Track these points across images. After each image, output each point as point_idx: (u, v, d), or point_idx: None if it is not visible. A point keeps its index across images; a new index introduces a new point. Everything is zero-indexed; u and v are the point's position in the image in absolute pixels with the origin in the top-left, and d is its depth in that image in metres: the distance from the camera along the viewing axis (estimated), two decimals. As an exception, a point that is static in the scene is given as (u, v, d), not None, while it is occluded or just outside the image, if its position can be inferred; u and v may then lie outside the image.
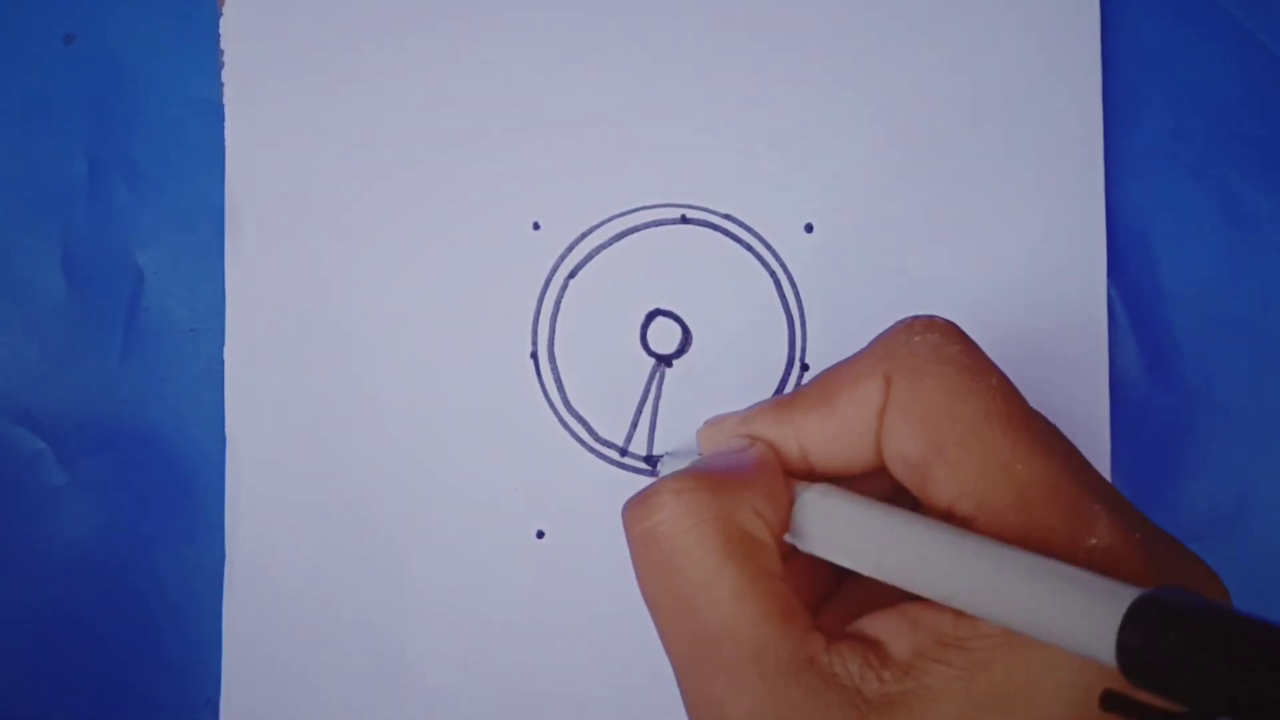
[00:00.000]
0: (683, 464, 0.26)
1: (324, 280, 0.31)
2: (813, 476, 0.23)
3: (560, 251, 0.31)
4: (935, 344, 0.22)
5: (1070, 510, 0.20)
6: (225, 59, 0.31)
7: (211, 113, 0.31)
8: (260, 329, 0.31)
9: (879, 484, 0.23)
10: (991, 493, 0.21)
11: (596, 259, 0.31)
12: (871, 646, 0.21)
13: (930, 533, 0.21)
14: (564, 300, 0.31)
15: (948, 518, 0.21)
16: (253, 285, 0.31)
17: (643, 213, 0.31)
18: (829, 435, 0.23)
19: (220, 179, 0.31)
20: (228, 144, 0.31)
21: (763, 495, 0.22)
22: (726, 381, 0.30)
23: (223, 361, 0.31)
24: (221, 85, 0.31)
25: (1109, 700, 0.18)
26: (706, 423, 0.25)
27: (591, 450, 0.30)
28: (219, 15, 0.31)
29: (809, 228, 0.30)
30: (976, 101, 0.30)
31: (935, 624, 0.21)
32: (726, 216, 0.30)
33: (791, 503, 0.23)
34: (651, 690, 0.30)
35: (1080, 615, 0.18)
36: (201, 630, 0.31)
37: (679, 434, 0.30)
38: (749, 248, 0.30)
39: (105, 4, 0.32)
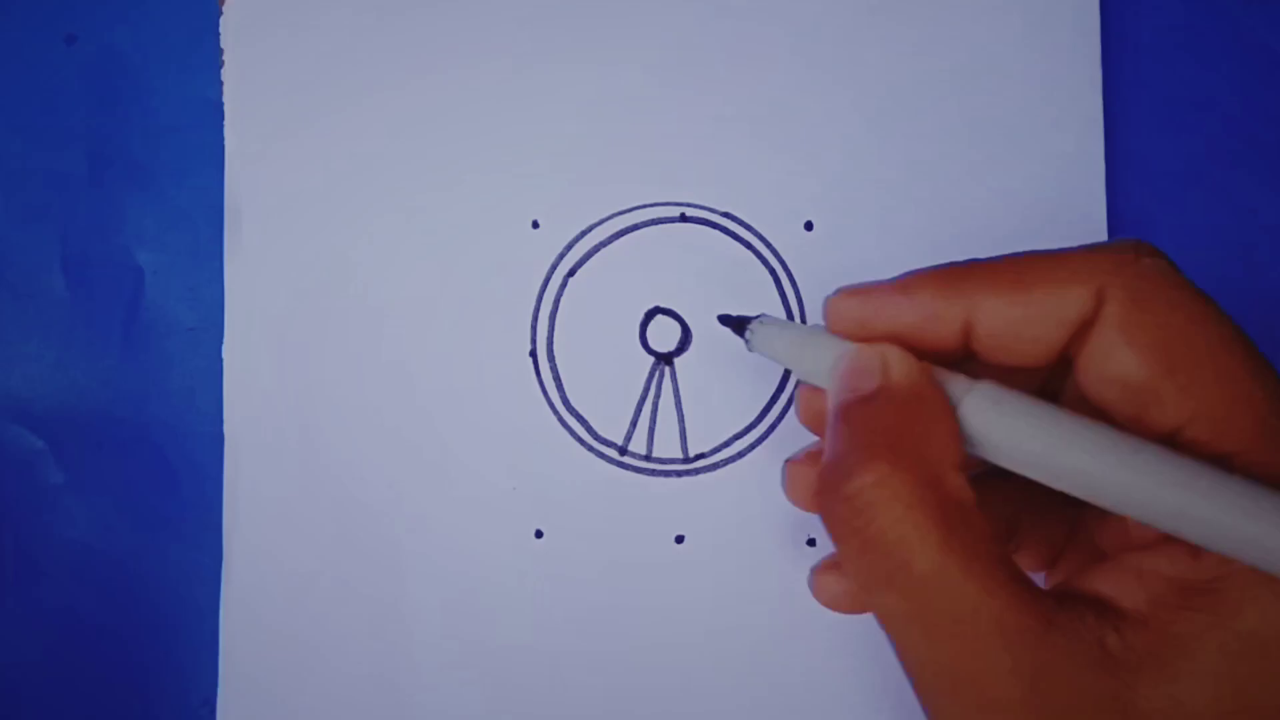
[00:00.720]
0: (779, 332, 0.24)
1: (323, 279, 0.31)
2: (961, 363, 0.22)
3: (559, 250, 0.31)
4: (1165, 269, 0.21)
5: None
6: (225, 58, 0.31)
7: (211, 112, 0.31)
8: (259, 328, 0.31)
9: (1028, 382, 0.22)
10: (1227, 418, 0.20)
11: (596, 257, 0.31)
12: (1103, 603, 0.20)
13: (1141, 448, 0.20)
14: (563, 299, 0.31)
15: (1173, 441, 0.20)
16: (252, 284, 0.31)
17: (642, 211, 0.31)
18: (1011, 324, 0.21)
19: (220, 178, 0.31)
20: (227, 143, 0.31)
21: (942, 435, 0.21)
22: (726, 380, 0.30)
23: (222, 360, 0.31)
24: (221, 85, 0.31)
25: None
26: (843, 293, 0.23)
27: (591, 449, 0.30)
28: (219, 15, 0.31)
29: (809, 226, 0.30)
30: (977, 101, 0.30)
31: (1169, 570, 0.20)
32: (726, 215, 0.30)
33: (954, 415, 0.21)
34: (651, 690, 0.30)
35: None
36: (199, 630, 0.31)
37: (679, 433, 0.30)
38: (749, 246, 0.30)
39: (106, 4, 0.32)
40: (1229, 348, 0.20)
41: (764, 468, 0.30)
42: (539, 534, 0.30)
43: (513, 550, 0.30)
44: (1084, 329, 0.21)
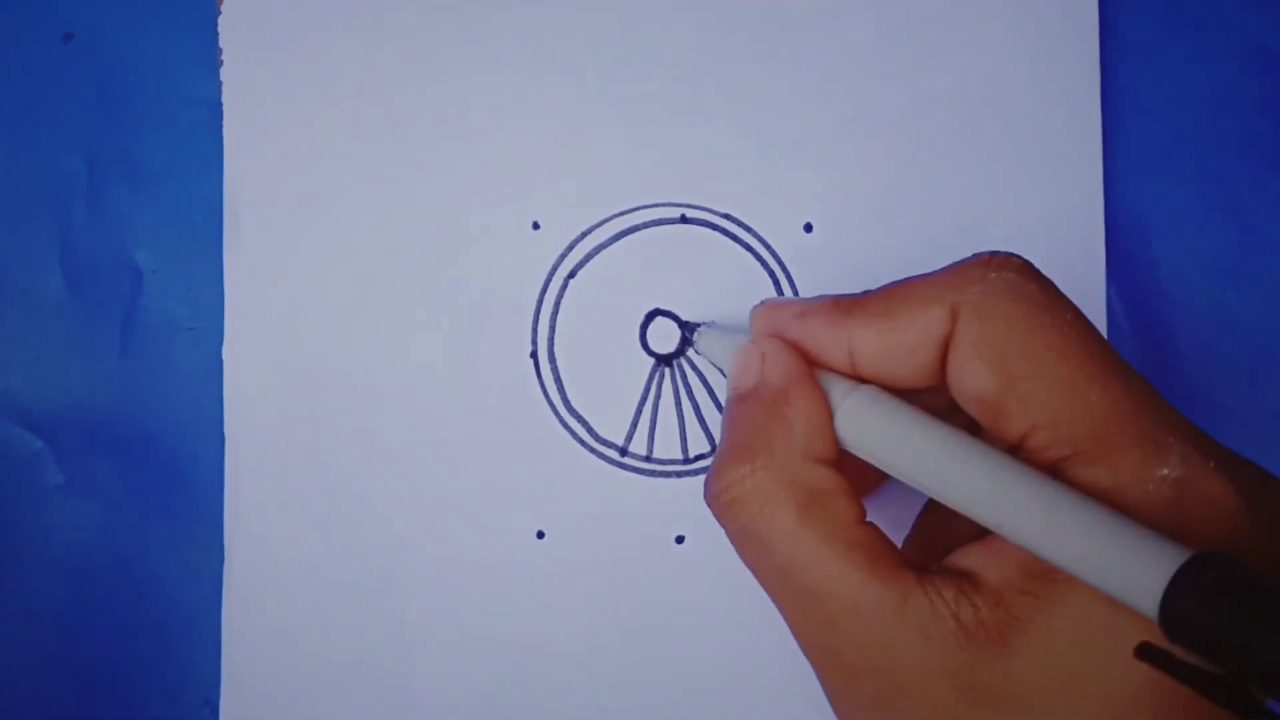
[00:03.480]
0: (717, 337, 0.27)
1: (323, 279, 0.31)
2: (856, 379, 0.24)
3: (560, 251, 0.31)
4: (1010, 281, 0.22)
5: (1144, 440, 0.21)
6: (224, 58, 0.31)
7: (210, 111, 0.31)
8: (259, 328, 0.31)
9: (930, 404, 0.23)
10: (1065, 424, 0.21)
11: (596, 259, 0.31)
12: (965, 577, 0.22)
13: (979, 455, 0.21)
14: (564, 300, 0.31)
15: (1019, 450, 0.22)
16: (251, 284, 0.31)
17: (642, 212, 0.31)
18: (883, 349, 0.23)
19: (219, 178, 0.31)
20: (226, 143, 0.31)
21: (808, 428, 0.23)
22: (726, 380, 0.30)
23: (221, 360, 0.31)
24: (220, 84, 0.31)
25: (1146, 651, 0.18)
26: (763, 304, 0.25)
27: (592, 450, 0.30)
28: (218, 14, 0.31)
29: (809, 228, 0.30)
30: (976, 101, 0.30)
31: (1019, 553, 0.21)
32: (726, 216, 0.30)
33: (828, 410, 0.23)
34: (652, 690, 0.30)
35: (1127, 571, 0.18)
36: (201, 630, 0.31)
37: (679, 434, 0.30)
38: (749, 248, 0.30)
39: (104, 3, 0.32)
40: (1063, 356, 0.21)
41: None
42: (540, 534, 0.30)
43: (514, 551, 0.30)
44: (946, 348, 0.22)
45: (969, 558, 0.22)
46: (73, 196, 0.32)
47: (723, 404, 0.30)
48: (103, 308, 0.32)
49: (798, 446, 0.23)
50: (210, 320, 0.31)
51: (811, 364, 0.24)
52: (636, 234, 0.31)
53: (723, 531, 0.29)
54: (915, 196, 0.30)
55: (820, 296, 0.24)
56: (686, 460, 0.30)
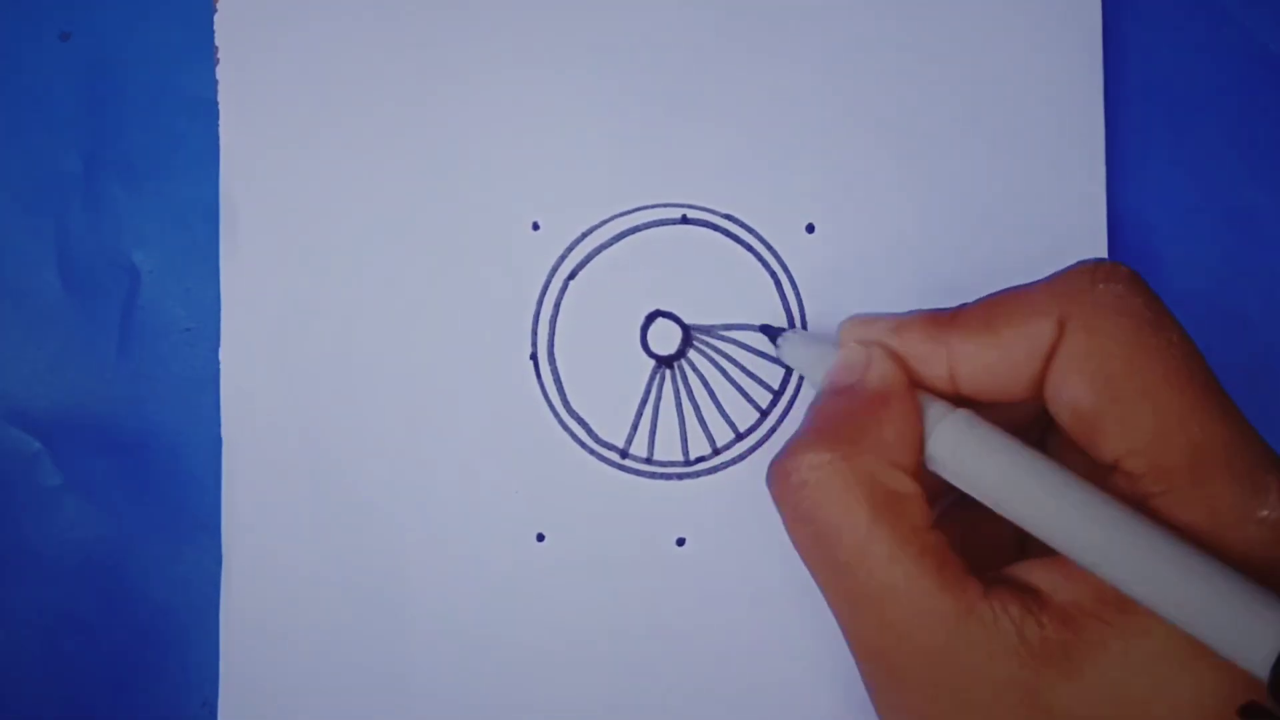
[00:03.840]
0: (805, 344, 0.27)
1: (321, 280, 0.31)
2: (954, 397, 0.23)
3: (560, 252, 0.31)
4: (1119, 294, 0.21)
5: (1243, 478, 0.20)
6: (220, 57, 0.31)
7: (207, 111, 0.31)
8: (256, 329, 0.31)
9: (1019, 414, 0.23)
10: (1163, 452, 0.20)
11: (597, 260, 0.31)
12: (1030, 593, 0.21)
13: (1078, 492, 0.21)
14: (564, 301, 0.31)
15: (1113, 473, 0.21)
16: (249, 285, 0.31)
17: (643, 213, 0.31)
18: (986, 363, 0.22)
19: (215, 177, 0.31)
20: (223, 142, 0.31)
21: (898, 436, 0.22)
22: (727, 383, 0.30)
23: (219, 362, 0.31)
24: (216, 83, 0.31)
25: (1249, 711, 0.18)
26: (853, 319, 0.25)
27: (592, 452, 0.30)
28: (214, 13, 0.31)
29: (810, 228, 0.30)
30: (978, 101, 0.30)
31: (1092, 576, 0.21)
32: (727, 216, 0.30)
33: (921, 425, 0.23)
34: (652, 692, 0.30)
35: (1237, 629, 0.18)
36: (199, 632, 0.31)
37: (679, 436, 0.30)
38: (749, 248, 0.30)
39: (101, 1, 0.32)
40: (1167, 381, 0.21)
41: (764, 470, 0.30)
42: (540, 537, 0.30)
43: (514, 553, 0.30)
44: (1049, 361, 0.22)
45: (1036, 574, 0.22)
46: (69, 196, 0.32)
47: (724, 408, 0.30)
48: (100, 308, 0.32)
49: (884, 447, 0.22)
50: (208, 320, 0.31)
51: (912, 380, 0.23)
52: (637, 235, 0.31)
53: (722, 536, 0.30)
54: (917, 197, 0.30)
55: (915, 311, 0.24)
56: (687, 462, 0.30)
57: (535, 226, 0.31)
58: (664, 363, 0.30)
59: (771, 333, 0.29)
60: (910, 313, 0.24)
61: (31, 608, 0.31)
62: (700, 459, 0.30)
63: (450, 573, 0.30)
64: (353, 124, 0.31)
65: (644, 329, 0.31)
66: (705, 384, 0.30)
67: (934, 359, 0.23)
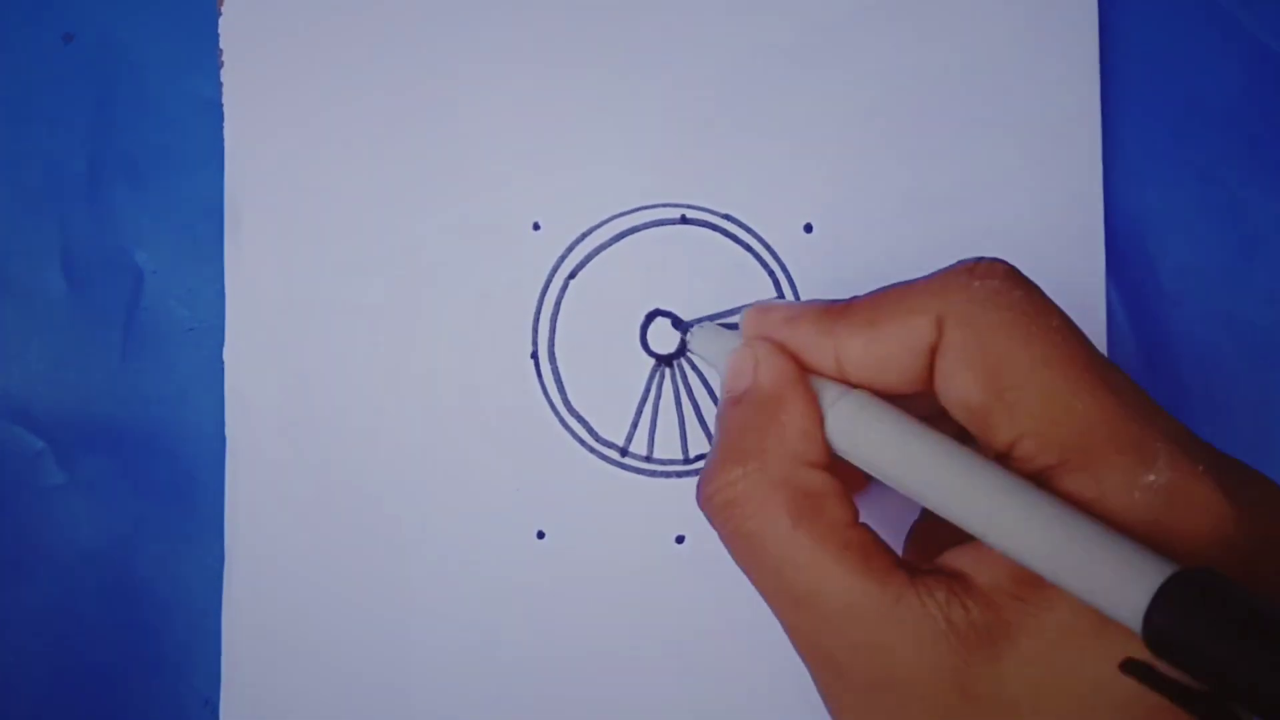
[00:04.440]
0: (711, 337, 0.27)
1: (323, 280, 0.31)
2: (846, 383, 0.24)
3: (560, 252, 0.31)
4: (995, 289, 0.22)
5: (1130, 446, 0.20)
6: (224, 58, 0.31)
7: (211, 112, 0.31)
8: (260, 329, 0.31)
9: (918, 406, 0.23)
10: (1051, 431, 0.21)
11: (597, 259, 0.31)
12: (957, 578, 0.22)
13: (966, 462, 0.21)
14: (564, 301, 0.31)
15: (1007, 459, 0.22)
16: (252, 285, 0.31)
17: (642, 213, 0.31)
18: (870, 357, 0.23)
19: (219, 178, 0.31)
20: (227, 144, 0.31)
21: (801, 433, 0.23)
22: (726, 381, 0.31)
23: (222, 361, 0.31)
24: (220, 85, 0.31)
25: (1130, 667, 0.18)
26: (753, 307, 0.25)
27: (592, 450, 0.30)
28: (218, 15, 0.31)
29: (808, 228, 0.30)
30: (976, 101, 0.30)
31: (1006, 557, 0.21)
32: (726, 217, 0.30)
33: (819, 415, 0.23)
34: (652, 689, 0.30)
35: (1110, 585, 0.19)
36: (201, 630, 0.31)
37: (679, 434, 0.30)
38: (749, 248, 0.30)
39: (105, 3, 0.32)
40: (1048, 365, 0.21)
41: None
42: (541, 535, 0.30)
43: (515, 551, 0.30)
44: (933, 356, 0.22)
45: (960, 559, 0.22)
46: (74, 197, 0.32)
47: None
48: (104, 308, 0.32)
49: (791, 450, 0.23)
50: (211, 320, 0.31)
51: (803, 368, 0.24)
52: (637, 234, 0.31)
53: (716, 535, 0.30)
54: (915, 197, 0.30)
55: (811, 301, 0.24)
56: (686, 460, 0.30)
57: (536, 226, 0.31)
58: (664, 361, 0.31)
59: (682, 326, 0.29)
60: (805, 303, 0.24)
61: (34, 606, 0.32)
62: (700, 457, 0.30)
63: (451, 570, 0.30)
64: (355, 125, 0.31)
65: (644, 328, 0.31)
66: (705, 382, 0.31)
67: (822, 351, 0.24)
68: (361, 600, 0.30)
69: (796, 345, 0.24)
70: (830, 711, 0.24)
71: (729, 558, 0.30)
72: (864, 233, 0.30)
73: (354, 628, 0.30)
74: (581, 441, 0.30)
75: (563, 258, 0.31)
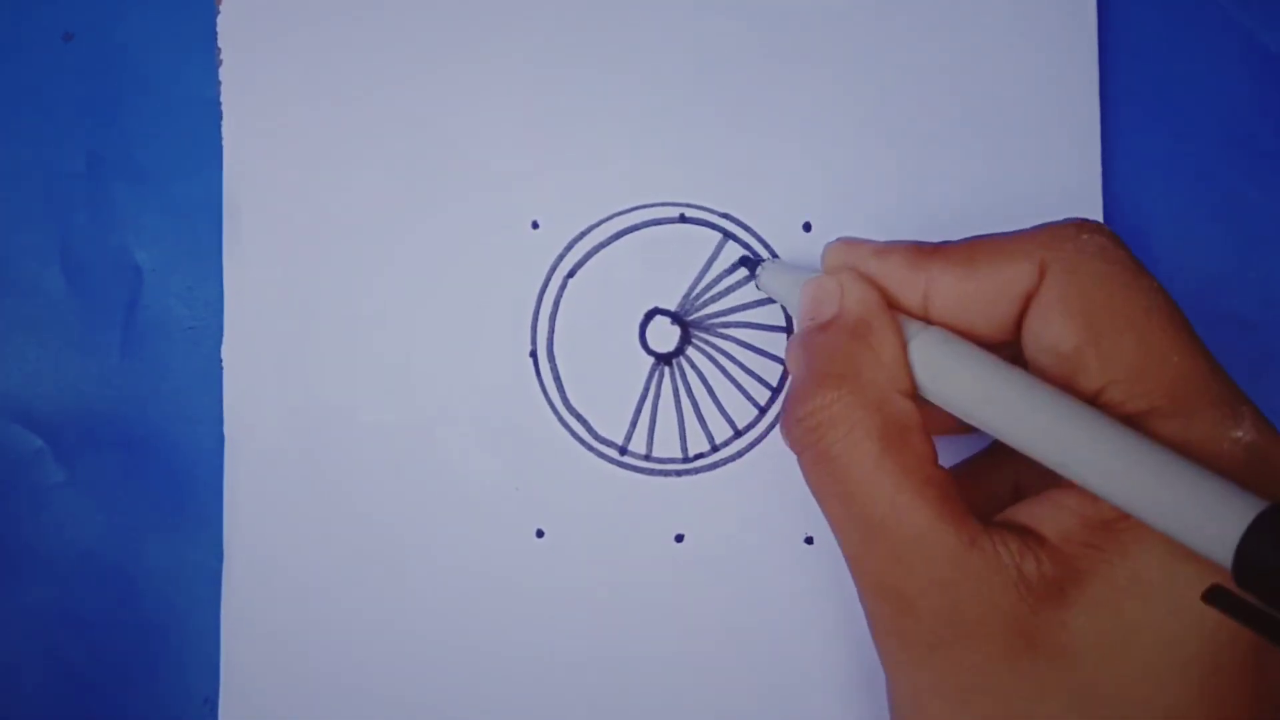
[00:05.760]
0: (782, 272, 0.27)
1: (322, 279, 0.31)
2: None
3: (559, 250, 0.31)
4: (1102, 244, 0.22)
5: (1220, 403, 0.21)
6: (223, 58, 0.31)
7: (210, 111, 0.31)
8: (259, 327, 0.31)
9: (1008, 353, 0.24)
10: (1143, 380, 0.21)
11: (595, 258, 0.31)
12: (1028, 532, 0.22)
13: (1054, 396, 0.21)
14: (563, 299, 0.31)
15: (1095, 403, 0.22)
16: (251, 284, 0.31)
17: (641, 212, 0.31)
18: (964, 297, 0.23)
19: (218, 177, 0.31)
20: (225, 143, 0.31)
21: (891, 358, 0.23)
22: (725, 380, 0.30)
23: (221, 360, 0.31)
24: (219, 84, 0.31)
25: (1215, 594, 0.19)
26: (838, 241, 0.25)
27: (591, 449, 0.30)
28: (217, 14, 0.31)
29: (807, 227, 0.30)
30: (974, 100, 0.30)
31: (1078, 506, 0.21)
32: (725, 215, 0.30)
33: (904, 344, 0.23)
34: (652, 688, 0.30)
35: (1203, 517, 0.19)
36: (200, 629, 0.31)
37: (678, 433, 0.30)
38: (748, 247, 0.30)
39: (105, 2, 0.32)
40: (1149, 316, 0.22)
41: (763, 467, 0.30)
42: (540, 533, 0.30)
43: (514, 549, 0.30)
44: (1029, 302, 0.23)
45: (1026, 513, 0.22)
46: (73, 196, 0.32)
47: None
48: (103, 307, 0.32)
49: (885, 374, 0.23)
50: (210, 319, 0.31)
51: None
52: (635, 233, 0.31)
53: (720, 532, 0.30)
54: (914, 196, 0.30)
55: (900, 241, 0.25)
56: (686, 459, 0.30)
57: (535, 225, 0.31)
58: (663, 360, 0.31)
59: (751, 264, 0.29)
60: (893, 241, 0.25)
61: (33, 605, 0.32)
62: (699, 456, 0.30)
63: (450, 569, 0.30)
64: (354, 124, 0.31)
65: (643, 326, 0.31)
66: (704, 381, 0.31)
67: (911, 286, 0.24)
68: (360, 598, 0.30)
69: (884, 279, 0.24)
70: (880, 644, 0.24)
71: (728, 557, 0.30)
72: (863, 232, 0.30)
73: (353, 626, 0.30)
74: (580, 440, 0.30)
75: (561, 256, 0.31)
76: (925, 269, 0.23)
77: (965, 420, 0.23)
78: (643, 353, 0.31)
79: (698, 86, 0.31)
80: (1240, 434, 0.20)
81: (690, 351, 0.31)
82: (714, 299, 0.30)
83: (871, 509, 0.22)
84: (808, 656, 0.30)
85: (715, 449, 0.30)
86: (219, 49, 0.31)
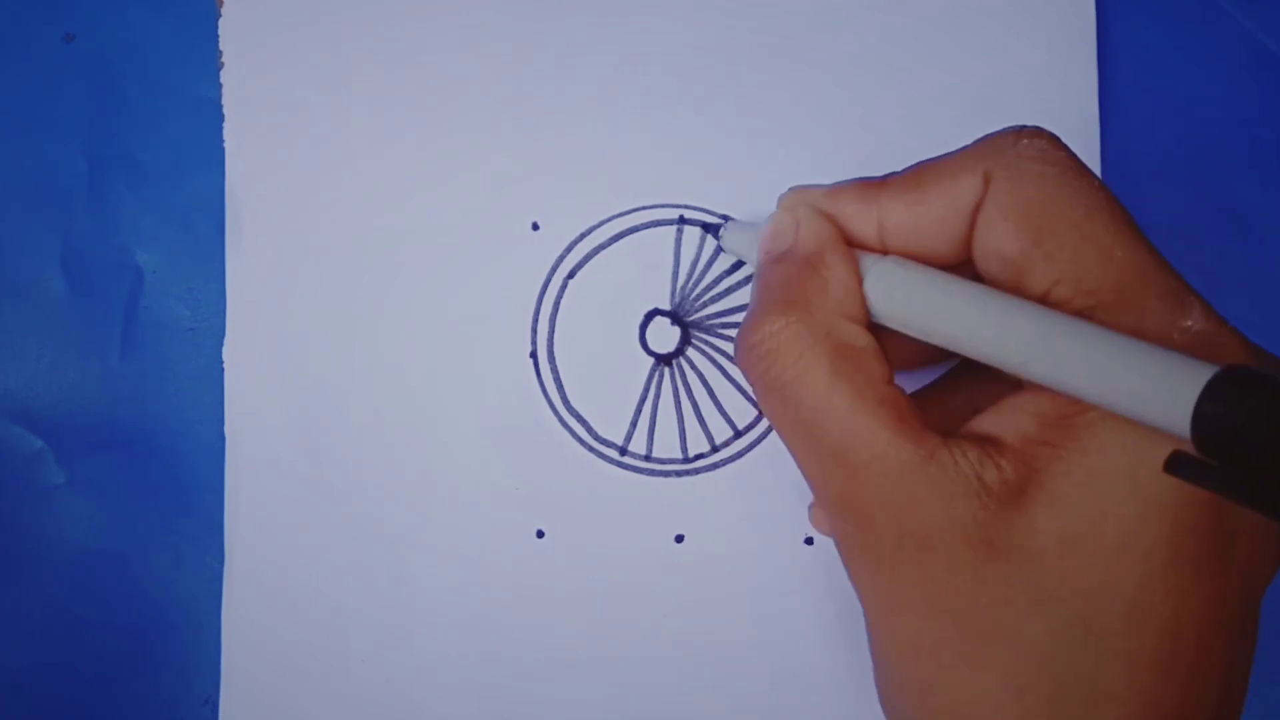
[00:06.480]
0: (743, 230, 0.28)
1: (323, 280, 0.31)
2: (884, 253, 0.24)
3: (559, 251, 0.31)
4: (1041, 148, 0.22)
5: (1167, 294, 0.21)
6: (224, 60, 0.31)
7: (211, 112, 0.31)
8: (260, 328, 0.31)
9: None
10: (1089, 276, 0.21)
11: (596, 259, 0.31)
12: (989, 440, 0.22)
13: (1004, 301, 0.21)
14: (563, 300, 0.31)
15: (1043, 303, 0.22)
16: (252, 285, 0.31)
17: (641, 213, 0.31)
18: (915, 222, 0.23)
19: (220, 178, 0.31)
20: (227, 144, 0.31)
21: (843, 289, 0.23)
22: (725, 381, 0.31)
23: (222, 361, 0.31)
24: (220, 86, 0.31)
25: (1176, 461, 0.18)
26: (791, 190, 0.26)
27: (591, 450, 0.30)
28: (218, 15, 0.31)
29: (808, 227, 0.30)
30: (974, 102, 0.30)
31: (1034, 406, 0.21)
32: (724, 217, 0.31)
33: (859, 276, 0.24)
34: (651, 687, 0.30)
35: (1159, 388, 0.19)
36: (201, 629, 0.31)
37: (678, 434, 0.30)
38: (748, 247, 0.30)
39: (105, 4, 0.32)
40: (1091, 214, 0.21)
41: (762, 468, 0.30)
42: (540, 534, 0.30)
43: (514, 550, 0.30)
44: (976, 215, 0.23)
45: (986, 422, 0.22)
46: (74, 197, 0.32)
47: (722, 406, 0.30)
48: (103, 308, 0.32)
49: (833, 302, 0.23)
50: (211, 320, 0.31)
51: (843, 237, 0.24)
52: (635, 235, 0.31)
53: (720, 533, 0.30)
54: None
55: (847, 180, 0.25)
56: (686, 460, 0.30)
57: (535, 226, 0.31)
58: (663, 361, 0.31)
59: (713, 229, 0.30)
60: (842, 181, 0.25)
61: (34, 605, 0.32)
62: (699, 456, 0.30)
63: (450, 569, 0.30)
64: (355, 126, 0.31)
65: (643, 327, 0.31)
66: (704, 382, 0.31)
67: (864, 219, 0.24)
68: (361, 599, 0.30)
69: (837, 216, 0.24)
70: (848, 563, 0.24)
71: (728, 557, 0.30)
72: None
73: (353, 626, 0.30)
74: (580, 441, 0.31)
75: (562, 257, 0.31)
76: (875, 201, 0.24)
77: (923, 338, 0.23)
78: (643, 353, 0.31)
79: (698, 88, 0.31)
80: (1190, 323, 0.21)
81: (690, 352, 0.31)
82: (714, 299, 0.31)
83: (827, 431, 0.22)
84: (807, 656, 0.30)
85: (715, 449, 0.30)
86: (220, 51, 0.31)
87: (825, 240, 0.24)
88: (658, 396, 0.31)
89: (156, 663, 0.31)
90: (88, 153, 0.32)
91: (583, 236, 0.31)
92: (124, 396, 0.32)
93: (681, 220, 0.31)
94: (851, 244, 0.24)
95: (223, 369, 0.31)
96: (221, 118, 0.31)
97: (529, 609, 0.30)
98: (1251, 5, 0.31)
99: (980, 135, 0.30)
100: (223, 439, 0.31)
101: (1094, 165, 0.30)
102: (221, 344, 0.31)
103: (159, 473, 0.32)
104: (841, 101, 0.31)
